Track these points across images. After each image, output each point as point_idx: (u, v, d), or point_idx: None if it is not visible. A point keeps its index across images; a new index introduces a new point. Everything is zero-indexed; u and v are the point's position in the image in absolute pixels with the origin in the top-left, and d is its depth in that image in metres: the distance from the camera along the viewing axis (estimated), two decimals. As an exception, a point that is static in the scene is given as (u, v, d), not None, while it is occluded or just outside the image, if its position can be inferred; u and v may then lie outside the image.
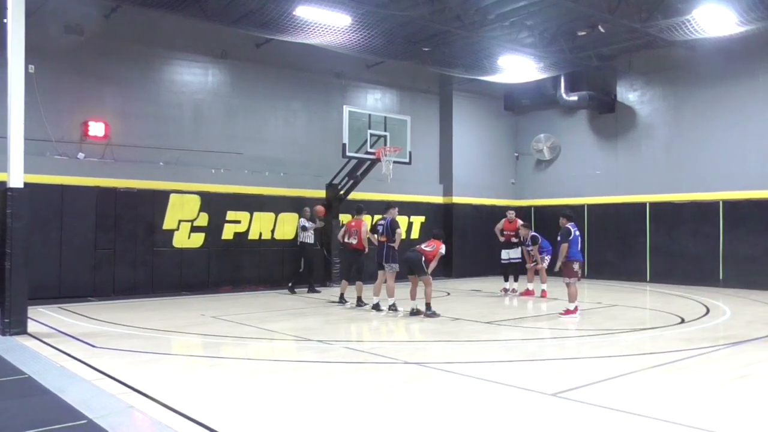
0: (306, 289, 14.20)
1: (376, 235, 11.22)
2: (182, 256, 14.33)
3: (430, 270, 10.34)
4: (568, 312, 10.35)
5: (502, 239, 13.82)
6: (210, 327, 9.28)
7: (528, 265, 13.63)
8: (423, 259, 10.24)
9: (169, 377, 6.14)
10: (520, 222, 13.78)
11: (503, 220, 14.06)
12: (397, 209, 11.29)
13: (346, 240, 11.76)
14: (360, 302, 11.48)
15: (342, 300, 11.75)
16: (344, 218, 16.32)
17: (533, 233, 13.52)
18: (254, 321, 9.88)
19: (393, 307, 10.70)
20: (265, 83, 16.05)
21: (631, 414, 4.86)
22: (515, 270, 13.87)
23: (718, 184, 15.87)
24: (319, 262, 15.89)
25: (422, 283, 10.32)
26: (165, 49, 14.66)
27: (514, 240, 13.63)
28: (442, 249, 10.57)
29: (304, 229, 14.22)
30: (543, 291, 13.11)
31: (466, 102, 19.48)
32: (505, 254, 13.82)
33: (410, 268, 10.38)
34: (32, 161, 10.50)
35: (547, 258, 13.16)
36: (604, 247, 17.85)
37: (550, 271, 13.27)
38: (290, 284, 14.14)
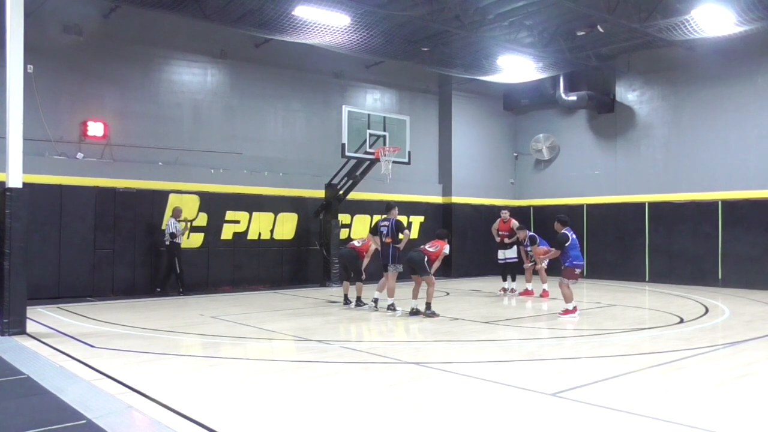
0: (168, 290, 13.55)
1: (375, 237, 11.19)
2: (182, 256, 14.30)
3: (433, 270, 10.33)
4: (567, 312, 10.35)
5: (498, 239, 13.83)
6: (209, 327, 9.27)
7: (526, 266, 13.63)
8: (426, 259, 10.23)
9: (168, 377, 6.13)
10: (515, 223, 13.77)
11: (498, 220, 14.07)
12: (397, 209, 11.25)
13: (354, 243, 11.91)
14: (359, 302, 11.48)
15: (347, 301, 11.74)
16: (343, 218, 16.38)
17: (531, 233, 13.50)
18: (254, 321, 9.88)
19: (392, 307, 10.69)
20: (265, 83, 16.05)
21: (630, 414, 4.86)
22: (513, 270, 13.87)
23: (717, 184, 15.87)
24: (318, 262, 15.90)
25: (425, 283, 10.32)
26: (164, 49, 14.65)
27: (507, 241, 13.63)
28: (446, 249, 10.56)
29: (173, 235, 13.46)
30: (544, 291, 13.10)
31: (466, 102, 19.48)
32: (501, 254, 13.83)
33: (413, 268, 10.35)
34: (31, 161, 10.51)
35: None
36: (603, 247, 17.85)
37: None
38: (164, 287, 13.56)
